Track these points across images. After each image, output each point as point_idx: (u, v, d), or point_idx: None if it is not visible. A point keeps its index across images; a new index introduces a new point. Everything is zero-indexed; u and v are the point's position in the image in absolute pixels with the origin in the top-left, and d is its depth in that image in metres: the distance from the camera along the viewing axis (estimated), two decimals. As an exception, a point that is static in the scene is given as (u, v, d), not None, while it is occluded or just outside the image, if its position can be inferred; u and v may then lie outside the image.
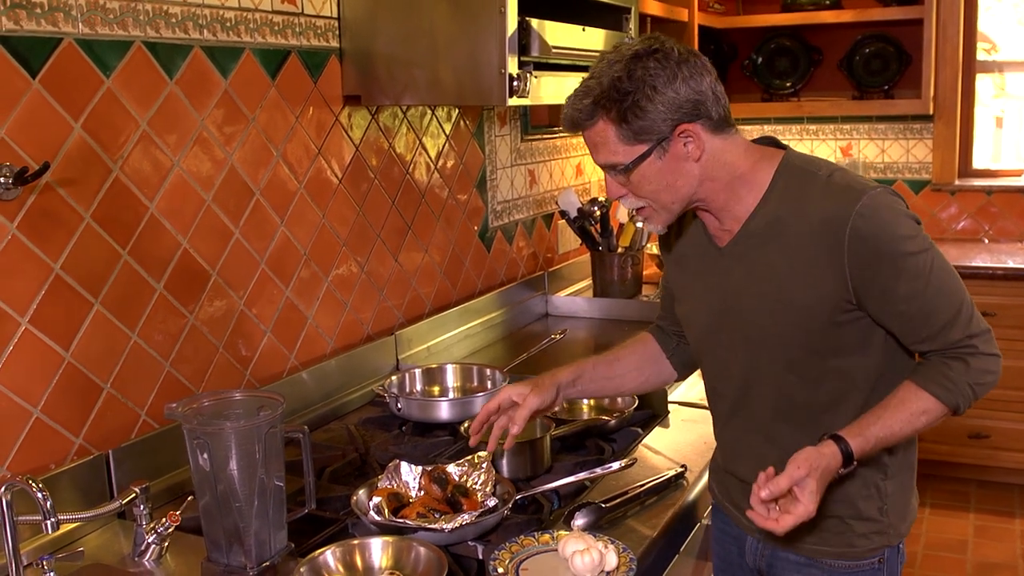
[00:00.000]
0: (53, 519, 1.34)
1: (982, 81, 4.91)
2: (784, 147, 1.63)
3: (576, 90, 1.54)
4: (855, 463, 1.48)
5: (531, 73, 2.20)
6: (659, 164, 1.51)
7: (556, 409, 1.83)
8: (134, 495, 1.53)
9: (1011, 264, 4.16)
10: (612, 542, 1.52)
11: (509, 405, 1.71)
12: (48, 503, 1.34)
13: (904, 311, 1.51)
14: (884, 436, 1.50)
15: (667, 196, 1.55)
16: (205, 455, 1.42)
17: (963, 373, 1.52)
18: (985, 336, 1.53)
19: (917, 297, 1.49)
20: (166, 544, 1.57)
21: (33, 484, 1.34)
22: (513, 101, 2.16)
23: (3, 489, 1.37)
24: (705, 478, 1.91)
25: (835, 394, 1.59)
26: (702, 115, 1.50)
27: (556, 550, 1.51)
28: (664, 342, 1.90)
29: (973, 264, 4.18)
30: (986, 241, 4.70)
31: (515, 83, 2.15)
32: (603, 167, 1.56)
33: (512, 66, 2.14)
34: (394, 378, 2.30)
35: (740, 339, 1.63)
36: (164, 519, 1.55)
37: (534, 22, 2.18)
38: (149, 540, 1.55)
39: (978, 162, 4.88)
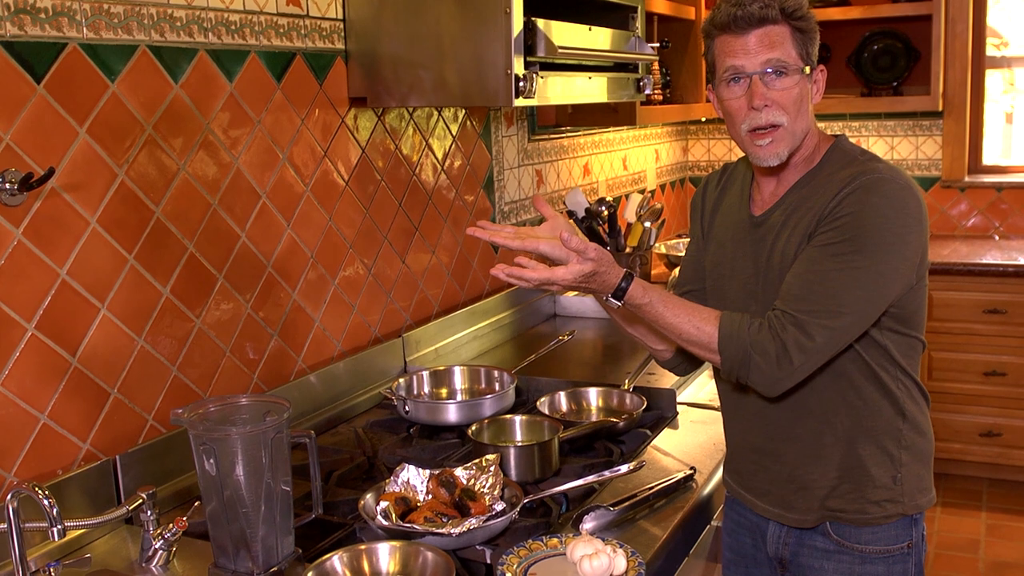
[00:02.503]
0: (59, 526, 1.34)
1: (992, 77, 4.88)
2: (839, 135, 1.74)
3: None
4: (621, 301, 1.58)
5: (537, 74, 2.19)
6: (807, 88, 1.62)
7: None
8: (141, 501, 1.53)
9: (1022, 261, 4.13)
10: (621, 546, 1.51)
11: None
12: (54, 510, 1.33)
13: (800, 270, 1.57)
14: (660, 312, 1.59)
15: (802, 122, 1.63)
16: (211, 461, 1.41)
17: (755, 334, 1.55)
18: (801, 340, 1.52)
19: (818, 269, 1.54)
20: (173, 550, 1.57)
21: (39, 491, 1.34)
22: (519, 102, 2.15)
23: (9, 496, 1.37)
24: (714, 480, 1.90)
25: (845, 362, 1.63)
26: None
27: (565, 554, 1.51)
28: None
29: (983, 261, 4.15)
30: (996, 238, 4.67)
31: (521, 84, 2.14)
32: (770, 64, 1.58)
33: (518, 67, 2.13)
34: (402, 380, 2.29)
35: (766, 305, 1.65)
36: (171, 524, 1.55)
37: (540, 22, 2.17)
38: (156, 546, 1.55)
39: (988, 158, 4.86)
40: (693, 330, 1.59)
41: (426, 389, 2.34)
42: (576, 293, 3.43)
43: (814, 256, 1.56)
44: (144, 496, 1.53)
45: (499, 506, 1.64)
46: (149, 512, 1.54)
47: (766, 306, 1.66)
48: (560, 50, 2.21)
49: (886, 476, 1.66)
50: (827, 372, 1.62)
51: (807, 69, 1.61)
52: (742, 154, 1.72)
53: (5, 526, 1.38)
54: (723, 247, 1.78)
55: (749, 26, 1.59)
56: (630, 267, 3.30)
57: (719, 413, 2.19)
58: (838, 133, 1.75)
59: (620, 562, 1.46)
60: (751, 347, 1.55)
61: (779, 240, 1.65)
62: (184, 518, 1.55)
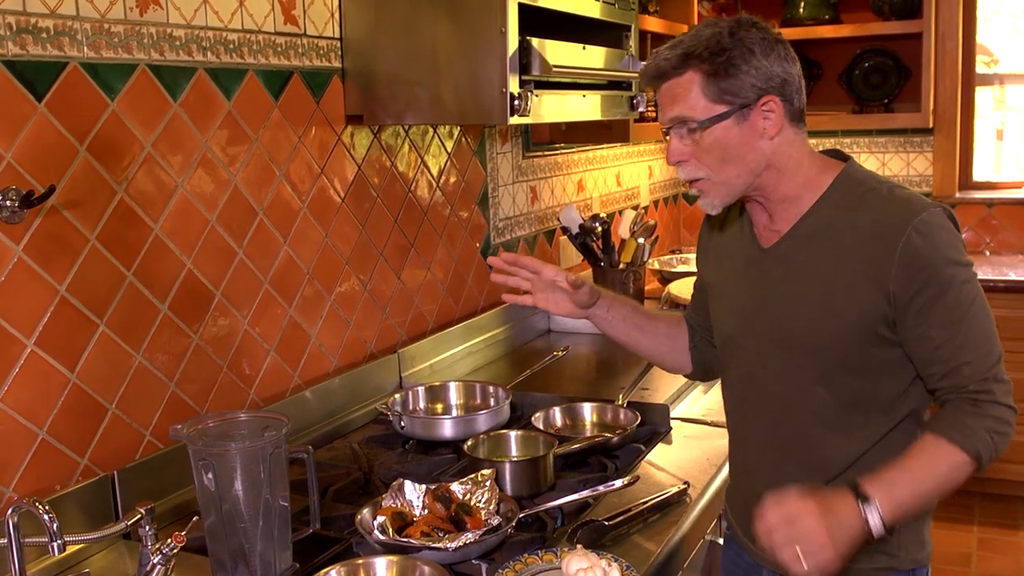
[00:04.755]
0: (60, 541, 1.35)
1: (982, 93, 4.93)
2: (848, 159, 1.64)
3: (663, 47, 1.53)
4: (881, 523, 1.40)
5: (532, 92, 2.22)
6: (734, 131, 1.50)
7: (583, 310, 1.83)
8: (140, 516, 1.54)
9: (1013, 276, 4.17)
10: (615, 560, 1.52)
11: (547, 280, 1.78)
12: (55, 525, 1.34)
13: (934, 337, 1.48)
14: (913, 490, 1.44)
15: (733, 170, 1.53)
16: (210, 476, 1.43)
17: (979, 419, 1.46)
18: (1005, 387, 1.49)
19: (951, 326, 1.47)
20: (171, 565, 1.57)
21: (40, 506, 1.35)
22: (514, 120, 2.17)
23: (10, 511, 1.38)
24: (708, 495, 1.91)
25: (861, 416, 1.57)
26: (786, 96, 1.53)
27: (560, 568, 1.52)
28: (691, 334, 1.91)
29: (975, 277, 4.18)
30: (987, 254, 4.71)
31: (516, 102, 2.16)
32: (674, 121, 1.52)
33: (513, 85, 2.16)
34: (397, 396, 2.31)
35: (771, 345, 1.62)
36: (169, 539, 1.55)
37: (535, 41, 2.19)
38: (155, 561, 1.55)
39: (979, 174, 4.90)
40: (945, 468, 1.46)
41: (421, 405, 2.35)
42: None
43: (933, 332, 1.48)
44: (143, 511, 1.54)
45: (495, 521, 1.65)
46: (148, 527, 1.55)
47: (763, 343, 1.62)
48: (555, 69, 2.24)
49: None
50: (842, 430, 1.58)
51: (724, 111, 1.49)
52: None
53: (5, 541, 1.39)
54: (725, 279, 1.74)
55: (653, 82, 1.54)
56: (623, 283, 3.32)
57: (712, 428, 2.22)
58: (834, 148, 1.68)
59: (615, 576, 1.47)
60: (991, 436, 1.46)
61: (803, 284, 1.57)
62: (182, 533, 1.55)
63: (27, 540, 1.42)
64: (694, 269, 2.03)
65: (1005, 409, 1.48)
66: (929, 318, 1.47)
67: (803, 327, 1.57)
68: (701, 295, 1.89)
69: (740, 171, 1.53)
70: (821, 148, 1.67)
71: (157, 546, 1.55)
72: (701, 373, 1.94)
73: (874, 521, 1.40)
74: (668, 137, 1.54)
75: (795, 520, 1.38)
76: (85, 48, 1.71)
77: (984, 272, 4.26)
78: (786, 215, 1.60)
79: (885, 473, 1.45)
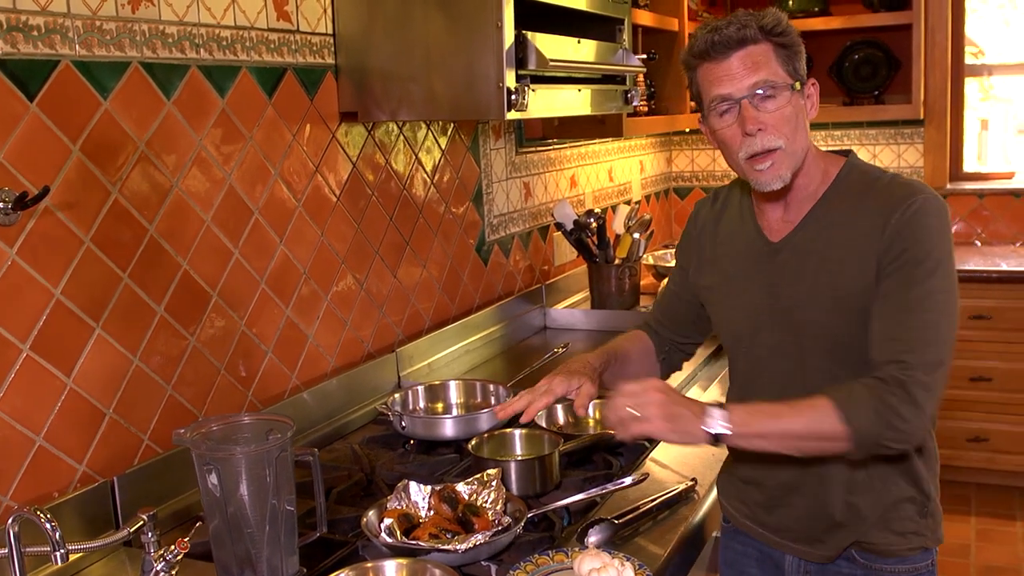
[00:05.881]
0: (63, 550, 1.32)
1: (968, 85, 4.93)
2: (848, 153, 1.68)
3: (724, 21, 1.54)
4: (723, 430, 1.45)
5: (528, 86, 2.19)
6: (797, 104, 1.56)
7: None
8: (142, 523, 1.50)
9: (1005, 267, 4.17)
10: (628, 559, 1.50)
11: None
12: (57, 534, 1.31)
13: (886, 310, 1.50)
14: (770, 423, 1.48)
15: (799, 141, 1.57)
16: (215, 481, 1.40)
17: (875, 398, 1.43)
18: (927, 393, 1.44)
19: (906, 307, 1.48)
20: (175, 572, 1.54)
21: (41, 515, 1.32)
22: (512, 115, 2.15)
23: (11, 520, 1.34)
24: (715, 492, 1.89)
25: None
26: None
27: (572, 568, 1.50)
28: (658, 344, 1.92)
29: (967, 267, 4.19)
30: (979, 244, 4.71)
31: (513, 97, 2.14)
32: (758, 85, 1.53)
33: (510, 80, 2.13)
34: (397, 396, 2.28)
35: (788, 336, 1.63)
36: (172, 546, 1.52)
37: (530, 35, 2.17)
38: (158, 568, 1.52)
39: (966, 165, 4.90)
40: (807, 427, 1.46)
41: (421, 404, 2.32)
42: (565, 306, 3.44)
43: (892, 292, 1.50)
44: (145, 518, 1.50)
45: (504, 521, 1.63)
46: (150, 534, 1.51)
47: (776, 336, 1.64)
48: (551, 63, 2.21)
49: (915, 510, 1.65)
50: None
51: (797, 85, 1.56)
52: (725, 166, 1.70)
53: (6, 551, 1.36)
54: (729, 278, 1.73)
55: (729, 49, 1.53)
56: (619, 279, 3.30)
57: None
58: (844, 148, 1.71)
59: (629, 575, 1.45)
60: (881, 410, 1.43)
61: (818, 273, 1.58)
62: (185, 539, 1.53)
63: (28, 549, 1.39)
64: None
65: (910, 408, 1.43)
66: (892, 286, 1.50)
67: (819, 315, 1.58)
68: (678, 304, 1.89)
69: (804, 143, 1.58)
70: (812, 140, 1.67)
71: (160, 553, 1.52)
72: (668, 376, 1.97)
73: (712, 421, 1.45)
74: (734, 108, 1.54)
75: (642, 394, 1.47)
76: (77, 46, 1.68)
77: (976, 263, 4.26)
78: (800, 206, 1.63)
79: (759, 402, 1.54)
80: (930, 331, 1.47)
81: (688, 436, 1.47)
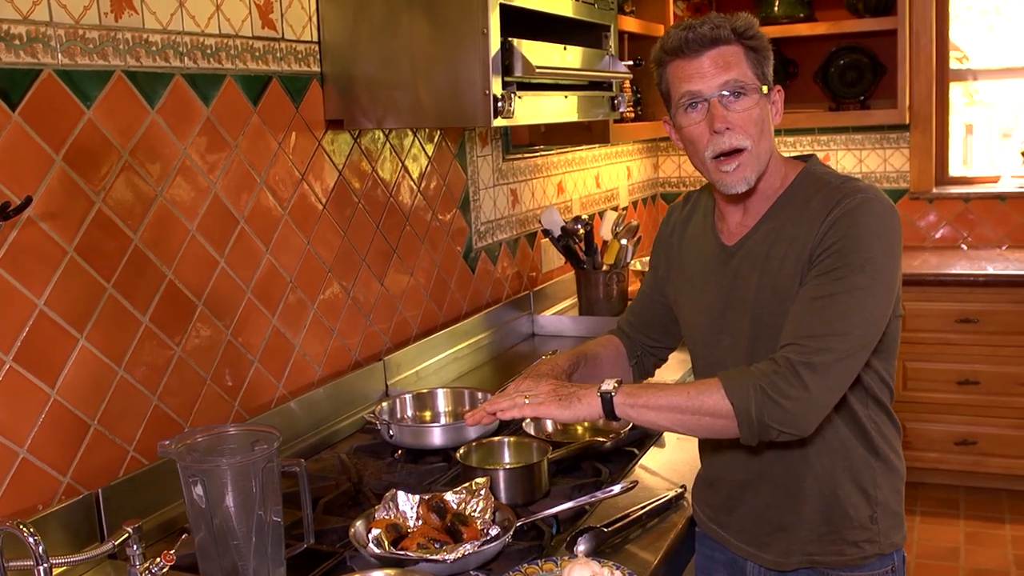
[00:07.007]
0: (46, 564, 1.30)
1: (954, 89, 4.96)
2: (809, 158, 1.70)
3: (699, 21, 1.56)
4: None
5: (515, 93, 2.19)
6: (764, 108, 1.58)
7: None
8: (127, 535, 1.49)
9: (991, 270, 4.18)
10: (618, 567, 1.49)
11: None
12: (40, 548, 1.30)
13: (801, 300, 1.51)
14: (656, 397, 1.50)
15: (764, 144, 1.59)
16: (200, 492, 1.38)
17: (759, 375, 1.44)
18: (818, 378, 1.42)
19: (821, 297, 1.48)
20: (160, 584, 1.53)
21: (24, 529, 1.30)
22: (498, 122, 2.14)
23: (-7, 535, 1.33)
24: (704, 497, 1.89)
25: None
26: None
27: (561, 577, 1.49)
28: (630, 349, 1.93)
29: (953, 271, 4.20)
30: (965, 248, 4.73)
31: (499, 104, 2.13)
32: (727, 85, 1.55)
33: (496, 87, 2.12)
34: (384, 404, 2.27)
35: (743, 340, 1.63)
36: (158, 559, 1.51)
37: (517, 42, 2.16)
38: (143, 581, 1.51)
39: (952, 170, 4.92)
40: (689, 399, 1.47)
41: (409, 412, 2.31)
42: (553, 312, 3.43)
43: (812, 285, 1.50)
44: (130, 530, 1.49)
45: (492, 530, 1.62)
46: (135, 546, 1.50)
47: (730, 338, 1.65)
48: (537, 70, 2.21)
49: (863, 516, 1.63)
50: None
51: (765, 89, 1.58)
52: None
53: (-12, 566, 1.34)
54: (690, 281, 1.75)
55: (702, 48, 1.55)
56: (607, 285, 3.29)
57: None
58: (807, 153, 1.72)
59: (618, 584, 1.44)
60: (763, 386, 1.42)
61: (763, 273, 1.60)
62: (171, 552, 1.51)
63: (11, 564, 1.37)
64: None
65: (795, 389, 1.42)
66: (814, 277, 1.51)
67: (767, 316, 1.60)
68: (650, 307, 1.91)
69: (768, 147, 1.60)
70: (798, 146, 1.69)
71: (146, 565, 1.50)
72: (642, 380, 1.96)
73: (602, 385, 1.52)
74: (703, 106, 1.56)
75: (535, 385, 1.59)
76: (59, 55, 1.66)
77: (962, 267, 4.27)
78: (756, 210, 1.65)
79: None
80: (838, 323, 1.45)
81: (578, 407, 1.53)
